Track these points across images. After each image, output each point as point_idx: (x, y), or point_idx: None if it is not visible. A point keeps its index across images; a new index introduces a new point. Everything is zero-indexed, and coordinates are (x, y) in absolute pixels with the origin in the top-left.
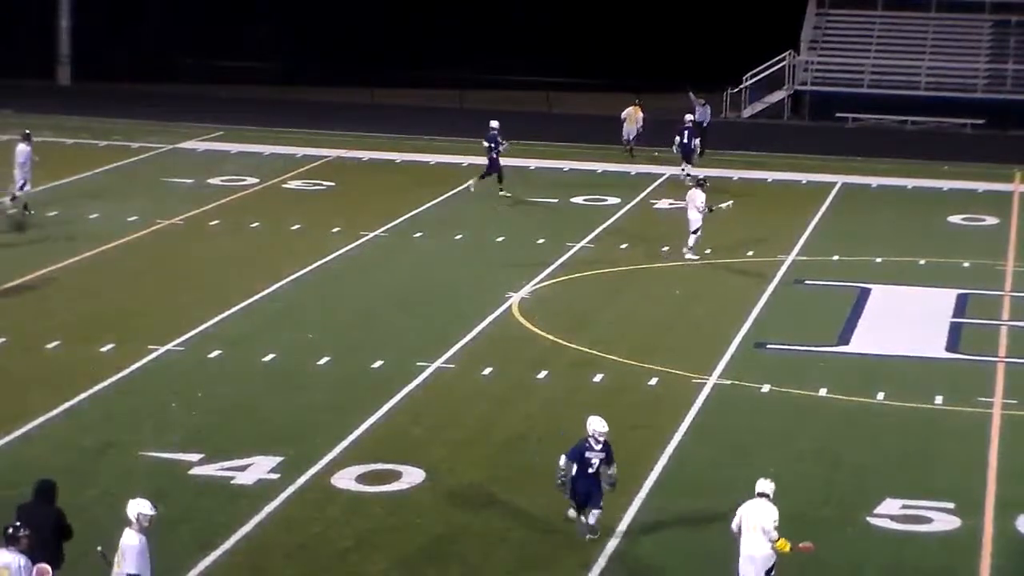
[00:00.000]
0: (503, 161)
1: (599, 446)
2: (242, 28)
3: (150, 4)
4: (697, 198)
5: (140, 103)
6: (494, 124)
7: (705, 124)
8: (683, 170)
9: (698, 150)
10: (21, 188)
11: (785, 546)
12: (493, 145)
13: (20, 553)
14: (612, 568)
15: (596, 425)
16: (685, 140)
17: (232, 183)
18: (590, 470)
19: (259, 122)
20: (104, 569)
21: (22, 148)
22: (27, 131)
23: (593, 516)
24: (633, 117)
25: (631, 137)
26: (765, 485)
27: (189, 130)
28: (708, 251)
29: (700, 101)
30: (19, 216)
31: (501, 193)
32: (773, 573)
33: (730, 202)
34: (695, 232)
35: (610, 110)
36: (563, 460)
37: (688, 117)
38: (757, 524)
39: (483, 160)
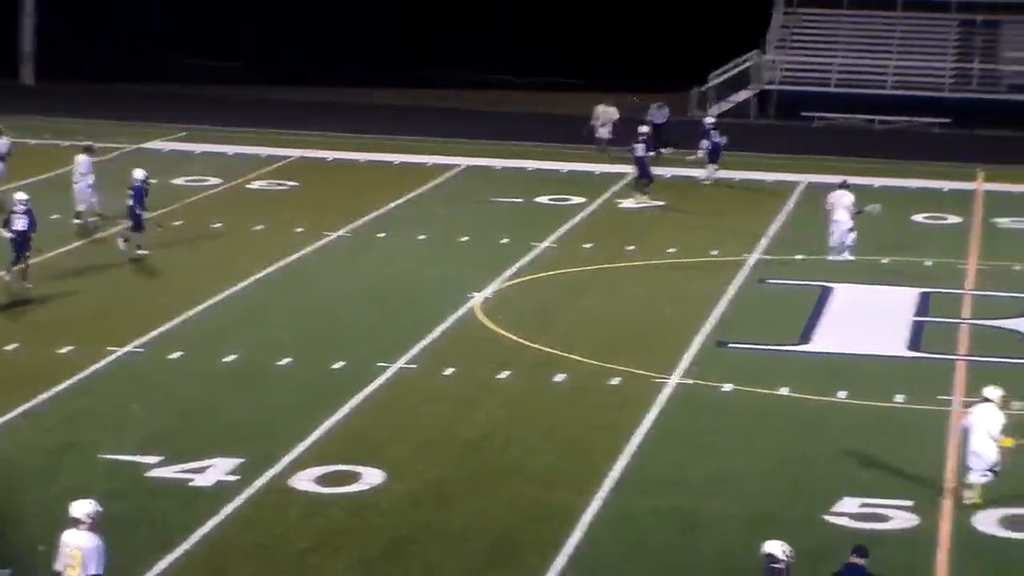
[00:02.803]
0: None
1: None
2: (207, 28)
3: (115, 3)
4: (844, 199)
5: (104, 103)
6: (642, 129)
7: (661, 124)
8: (710, 171)
9: (716, 150)
10: None
11: (1008, 442)
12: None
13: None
14: (574, 567)
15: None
16: (716, 140)
17: (196, 183)
18: None
19: (223, 122)
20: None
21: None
22: None
23: None
24: (603, 115)
25: (598, 133)
26: (992, 392)
27: (153, 130)
28: (672, 250)
29: (657, 103)
30: None
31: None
32: (997, 469)
33: (879, 206)
34: (852, 231)
35: (576, 109)
36: None
37: (708, 120)
38: (984, 427)
39: (447, 159)
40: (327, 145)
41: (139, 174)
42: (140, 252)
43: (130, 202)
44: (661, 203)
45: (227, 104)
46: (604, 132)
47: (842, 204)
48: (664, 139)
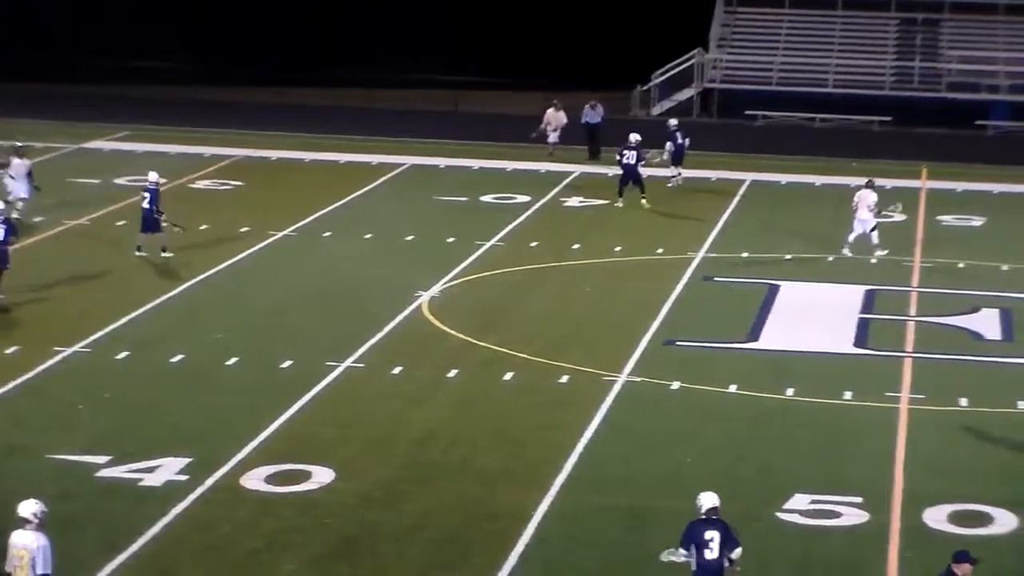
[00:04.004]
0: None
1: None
2: (149, 27)
3: (55, 2)
4: (869, 198)
5: (45, 103)
6: (634, 137)
7: (596, 124)
8: (673, 175)
9: (680, 151)
10: None
11: None
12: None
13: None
14: (523, 565)
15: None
16: (680, 142)
17: (138, 183)
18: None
19: (166, 121)
20: None
21: None
22: None
23: None
24: (554, 119)
25: (550, 138)
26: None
27: (95, 130)
28: (618, 249)
29: (592, 102)
30: None
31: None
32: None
33: (899, 204)
34: (874, 230)
35: (519, 109)
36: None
37: (672, 122)
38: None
39: (392, 158)
40: (271, 144)
41: (153, 176)
42: (165, 255)
43: (146, 205)
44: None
45: (170, 104)
46: (554, 136)
47: (866, 203)
48: (599, 141)
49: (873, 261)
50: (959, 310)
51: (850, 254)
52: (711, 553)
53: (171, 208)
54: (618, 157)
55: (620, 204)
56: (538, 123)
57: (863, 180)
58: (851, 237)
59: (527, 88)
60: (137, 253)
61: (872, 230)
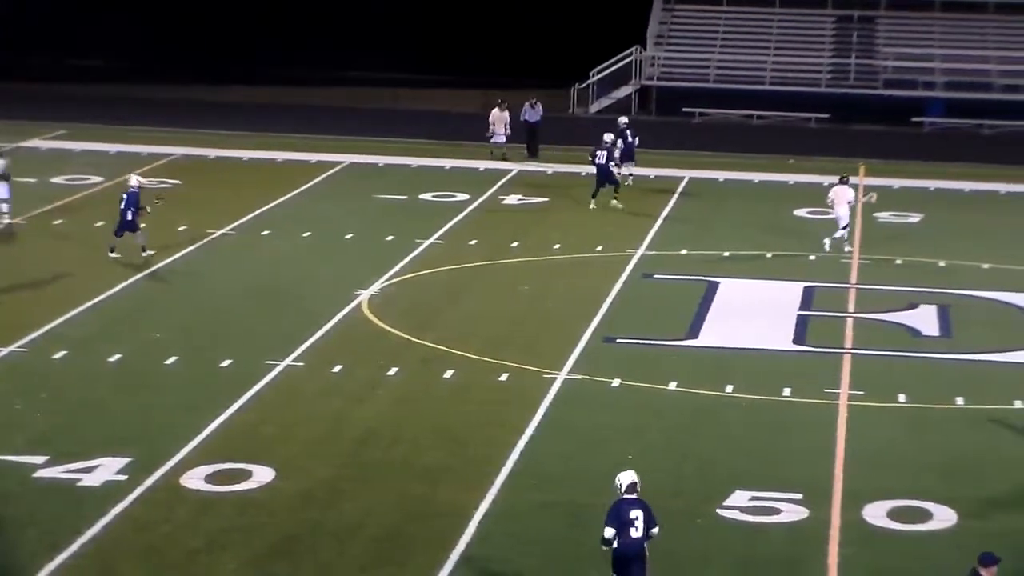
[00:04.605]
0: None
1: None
2: (85, 25)
3: None
4: (847, 194)
5: None
6: (607, 137)
7: (535, 123)
8: (624, 174)
9: (630, 149)
10: None
11: None
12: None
13: None
14: (464, 563)
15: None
16: (630, 140)
17: (76, 182)
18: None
19: (104, 120)
20: None
21: None
22: None
23: None
24: (500, 119)
25: (497, 138)
26: None
27: (32, 128)
28: (557, 246)
29: (531, 101)
30: None
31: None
32: None
33: (874, 195)
34: (845, 227)
35: (458, 106)
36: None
37: (622, 120)
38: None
39: (330, 156)
40: (209, 143)
41: (135, 180)
42: (145, 254)
43: (123, 207)
44: (545, 199)
45: (107, 102)
46: (501, 136)
47: (844, 199)
48: (538, 139)
49: (812, 258)
50: (897, 306)
51: (829, 250)
52: (636, 532)
53: (108, 208)
54: (590, 157)
55: (593, 206)
56: (478, 120)
57: (804, 177)
58: (836, 234)
59: (466, 86)
60: (111, 255)
61: (846, 227)
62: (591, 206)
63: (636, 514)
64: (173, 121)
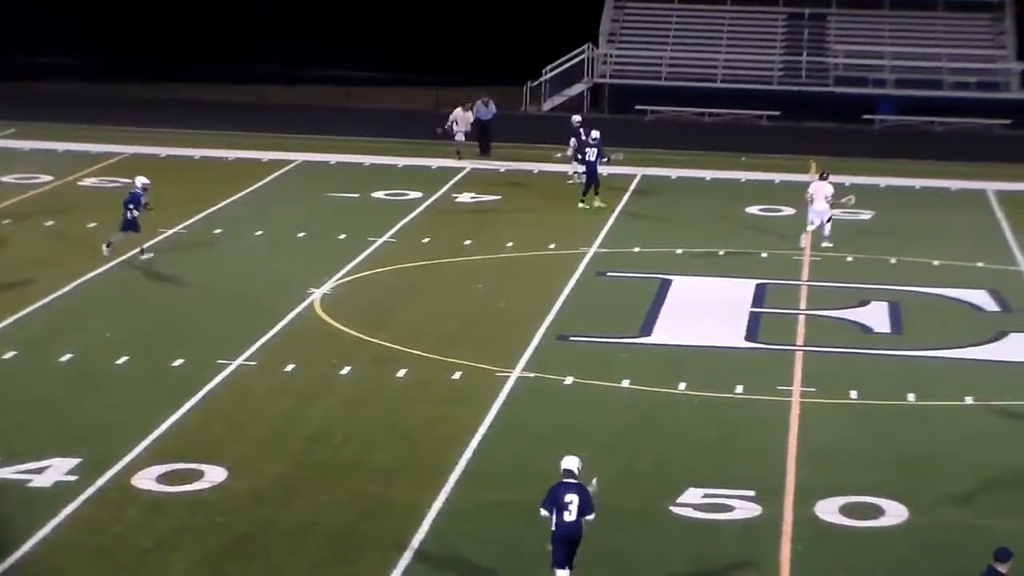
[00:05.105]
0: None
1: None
2: (35, 22)
3: None
4: (825, 190)
5: None
6: (595, 134)
7: (488, 120)
8: (574, 172)
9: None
10: None
11: None
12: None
13: None
14: (417, 561)
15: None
16: (583, 138)
17: (25, 181)
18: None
19: (53, 118)
20: None
21: None
22: None
23: None
24: (463, 119)
25: (458, 137)
26: None
27: None
28: (510, 244)
29: (484, 99)
30: None
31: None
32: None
33: (852, 197)
34: (830, 220)
35: (410, 104)
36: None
37: (575, 119)
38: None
39: (282, 155)
40: (160, 141)
41: (140, 180)
42: (145, 256)
43: (131, 205)
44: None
45: (57, 100)
46: (461, 135)
47: (823, 194)
48: (489, 136)
49: (764, 256)
50: (848, 303)
51: (804, 245)
52: (569, 515)
53: (58, 207)
54: (580, 156)
55: (582, 206)
56: (433, 119)
57: (756, 175)
58: (809, 228)
59: (418, 84)
60: (105, 250)
61: (827, 221)
62: (580, 205)
63: (571, 498)
64: (124, 119)
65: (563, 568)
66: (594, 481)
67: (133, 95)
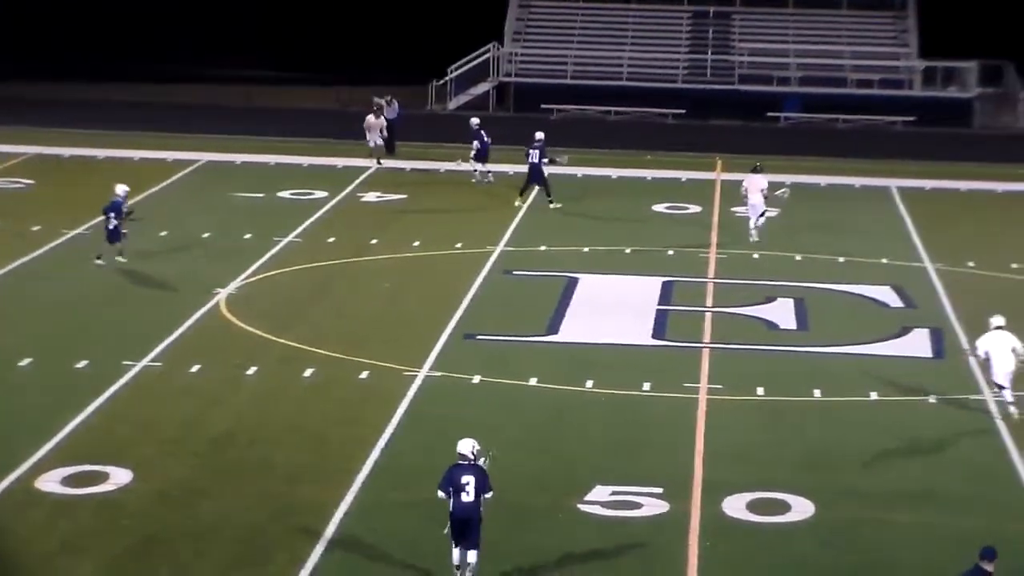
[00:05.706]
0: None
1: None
2: None
3: None
4: (760, 183)
5: None
6: (539, 135)
7: (392, 120)
8: (476, 170)
9: (484, 149)
10: None
11: None
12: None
13: None
14: (325, 561)
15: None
16: (485, 140)
17: None
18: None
19: None
20: None
21: None
22: None
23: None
24: (375, 125)
25: (378, 144)
26: (999, 319)
27: None
28: (416, 243)
29: (387, 98)
30: None
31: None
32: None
33: (787, 190)
34: (763, 215)
35: (314, 104)
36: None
37: (474, 121)
38: (1007, 346)
39: (186, 155)
40: (63, 141)
41: (120, 189)
42: (120, 260)
43: (112, 214)
44: (404, 195)
45: None
46: (377, 139)
47: (757, 187)
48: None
49: (670, 253)
50: (754, 300)
51: (757, 238)
52: (467, 496)
53: None
54: (525, 156)
55: (519, 203)
56: (336, 118)
57: (662, 172)
58: (752, 223)
59: (321, 83)
60: (97, 262)
61: (761, 216)
62: (516, 203)
63: (467, 479)
64: (26, 119)
65: (458, 547)
66: (490, 453)
67: (36, 95)
